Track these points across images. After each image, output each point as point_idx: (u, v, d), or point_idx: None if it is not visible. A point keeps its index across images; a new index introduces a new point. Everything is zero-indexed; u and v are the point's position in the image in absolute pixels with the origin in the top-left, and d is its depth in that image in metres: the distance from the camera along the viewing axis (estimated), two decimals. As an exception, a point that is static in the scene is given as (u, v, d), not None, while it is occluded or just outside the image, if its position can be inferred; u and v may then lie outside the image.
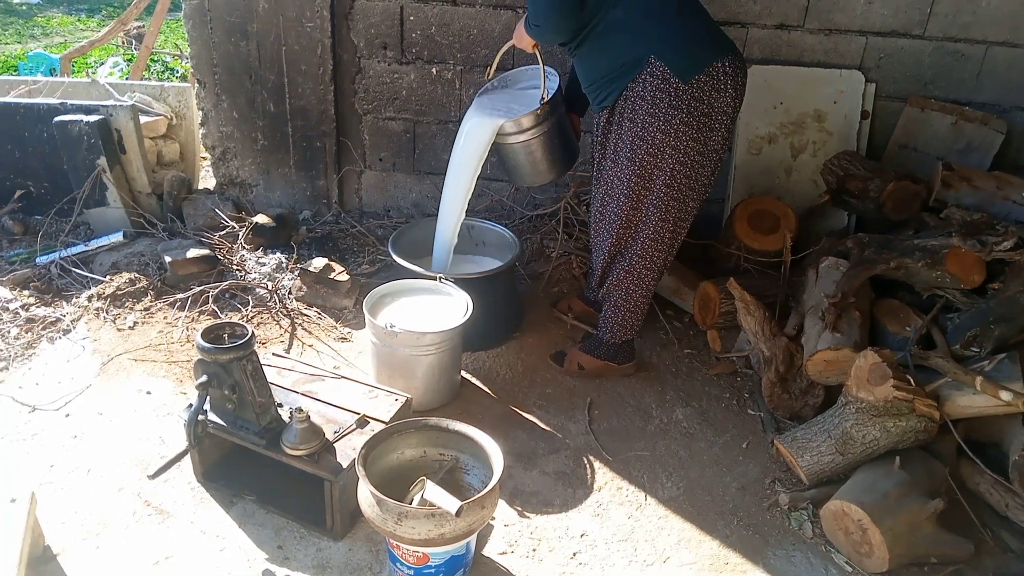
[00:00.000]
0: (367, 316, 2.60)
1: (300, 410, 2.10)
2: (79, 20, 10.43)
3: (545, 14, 2.38)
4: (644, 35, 2.34)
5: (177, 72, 7.59)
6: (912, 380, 2.24)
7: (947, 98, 3.45)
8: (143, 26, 7.48)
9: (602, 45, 2.41)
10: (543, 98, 2.66)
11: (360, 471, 1.91)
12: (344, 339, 3.04)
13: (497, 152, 2.82)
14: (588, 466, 2.47)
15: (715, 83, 2.33)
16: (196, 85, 3.65)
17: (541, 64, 2.67)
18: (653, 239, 2.57)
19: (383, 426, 2.23)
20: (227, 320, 2.17)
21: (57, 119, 3.36)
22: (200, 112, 3.70)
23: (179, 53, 7.99)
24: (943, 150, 3.39)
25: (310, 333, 3.05)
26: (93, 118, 3.35)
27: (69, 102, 3.49)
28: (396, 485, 2.02)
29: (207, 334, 2.09)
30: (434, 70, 3.60)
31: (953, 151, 3.38)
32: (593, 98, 2.56)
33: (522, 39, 2.58)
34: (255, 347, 2.10)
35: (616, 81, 2.42)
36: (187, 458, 2.31)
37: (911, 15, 3.34)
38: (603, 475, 2.44)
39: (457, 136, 2.85)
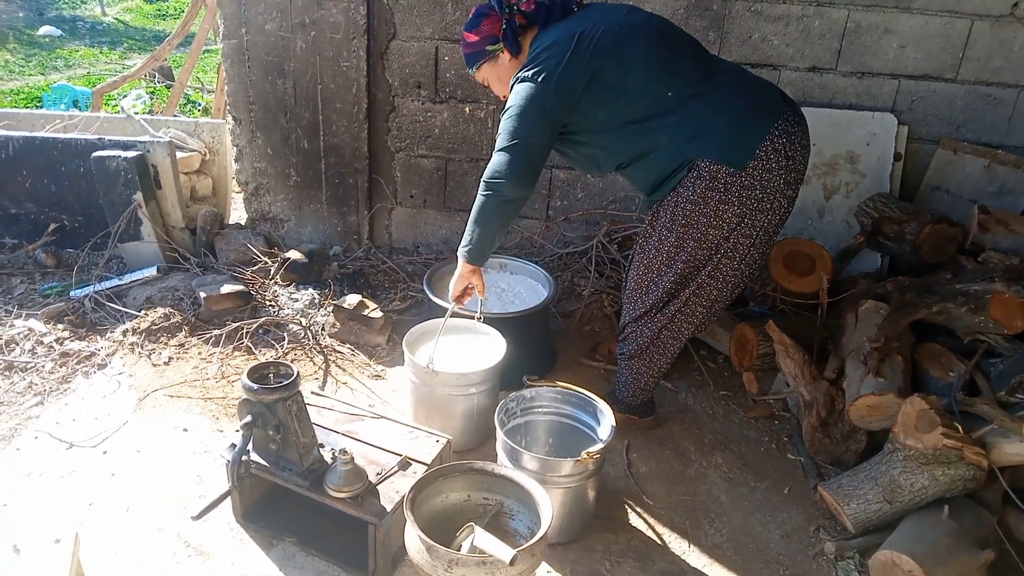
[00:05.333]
0: (407, 355, 2.59)
1: (344, 452, 2.08)
2: (101, 52, 10.62)
3: (514, 185, 2.28)
4: (685, 142, 2.27)
5: (199, 105, 7.70)
6: (960, 427, 2.22)
7: (979, 141, 3.46)
8: (167, 60, 7.60)
9: (646, 163, 2.37)
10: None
11: (408, 515, 1.88)
12: (378, 376, 3.03)
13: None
14: (629, 511, 2.44)
15: (765, 164, 2.25)
16: (231, 122, 3.69)
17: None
18: (686, 315, 2.52)
19: (425, 468, 2.22)
20: (272, 360, 2.16)
21: (95, 154, 3.40)
22: (234, 148, 3.74)
23: (201, 86, 8.11)
24: (976, 193, 3.39)
25: (344, 370, 3.04)
26: (131, 154, 3.39)
27: (107, 138, 3.54)
28: (440, 529, 1.99)
29: (252, 374, 2.08)
30: (467, 109, 3.63)
31: (986, 194, 3.38)
32: (647, 194, 2.49)
33: (464, 275, 2.51)
34: (300, 387, 2.09)
35: (666, 183, 2.36)
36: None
37: (943, 59, 3.37)
38: (644, 521, 2.40)
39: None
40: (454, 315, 2.72)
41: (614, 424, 2.31)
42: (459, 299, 2.60)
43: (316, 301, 3.37)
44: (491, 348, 2.70)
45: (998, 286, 2.56)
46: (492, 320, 2.86)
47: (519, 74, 2.33)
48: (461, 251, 2.47)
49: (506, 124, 2.30)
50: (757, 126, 2.26)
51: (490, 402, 2.66)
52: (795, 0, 3.33)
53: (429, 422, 2.57)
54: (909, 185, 3.54)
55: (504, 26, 2.39)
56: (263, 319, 3.18)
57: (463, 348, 2.71)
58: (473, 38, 2.45)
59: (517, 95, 2.30)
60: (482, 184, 2.33)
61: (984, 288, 2.60)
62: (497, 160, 2.31)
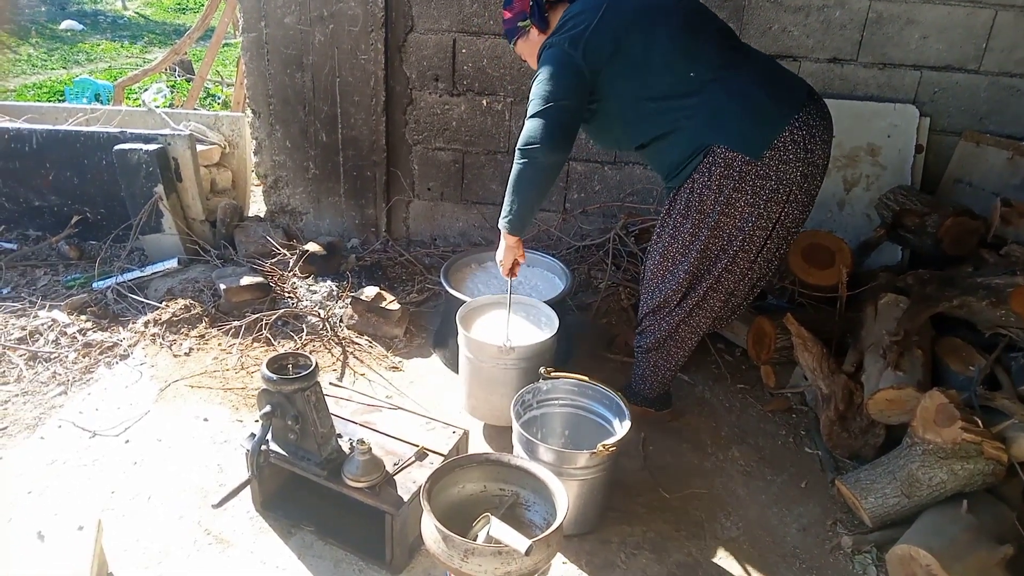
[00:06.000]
0: (464, 334, 2.58)
1: (362, 442, 2.10)
2: (122, 46, 10.70)
3: (549, 149, 2.26)
4: (702, 127, 2.27)
5: (219, 98, 7.74)
6: (979, 422, 2.20)
7: (1003, 133, 3.41)
8: (187, 54, 7.64)
9: (665, 145, 2.37)
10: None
11: (425, 505, 1.90)
12: (395, 368, 3.05)
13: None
14: (646, 504, 2.44)
15: (782, 155, 2.24)
16: (251, 115, 3.72)
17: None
18: (704, 310, 2.52)
19: (441, 459, 2.23)
20: (291, 351, 2.18)
21: (117, 147, 3.44)
22: (254, 141, 3.77)
23: (221, 80, 8.15)
24: (999, 185, 3.35)
25: (361, 362, 3.07)
26: (152, 147, 3.42)
27: (129, 131, 3.57)
28: (457, 519, 2.00)
29: (272, 364, 2.10)
30: (484, 102, 3.64)
31: (1009, 186, 3.34)
32: (666, 179, 2.49)
33: (509, 247, 2.50)
34: (319, 378, 2.11)
35: (684, 169, 2.36)
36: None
37: (966, 50, 3.32)
38: (661, 513, 2.41)
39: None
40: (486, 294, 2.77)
41: (630, 417, 2.31)
42: (512, 271, 2.59)
43: (334, 293, 3.39)
44: (532, 322, 2.71)
45: (1020, 279, 2.54)
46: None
47: (547, 40, 2.36)
48: (502, 223, 2.46)
49: (537, 90, 2.30)
50: (776, 116, 2.25)
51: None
52: (816, -10, 3.31)
53: (488, 400, 2.61)
54: (931, 177, 3.51)
55: (532, 3, 2.42)
56: (282, 311, 3.21)
57: (508, 323, 2.70)
58: (507, 15, 2.50)
59: (546, 61, 2.32)
60: (517, 152, 2.32)
61: (1006, 282, 2.57)
62: (530, 126, 2.29)
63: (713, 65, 2.27)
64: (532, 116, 2.30)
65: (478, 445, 2.64)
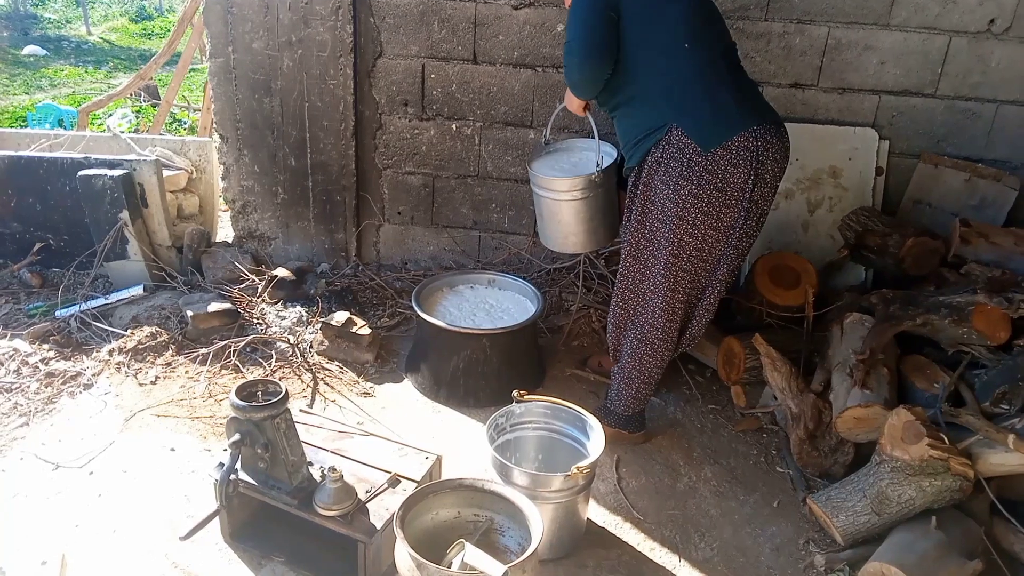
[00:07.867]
0: (538, 176, 2.82)
1: (334, 469, 2.08)
2: (86, 72, 10.60)
3: (578, 63, 2.46)
4: (669, 103, 2.39)
5: (185, 123, 7.69)
6: (945, 438, 2.24)
7: (959, 155, 3.50)
8: (153, 79, 7.59)
9: (633, 110, 2.48)
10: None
11: (399, 533, 1.88)
12: (367, 394, 3.03)
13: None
14: (620, 526, 2.44)
15: (732, 158, 2.33)
16: (218, 140, 3.70)
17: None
18: (664, 309, 2.55)
19: (415, 485, 2.21)
20: (260, 378, 2.16)
21: (81, 173, 3.39)
22: (221, 166, 3.74)
23: (187, 105, 8.10)
24: (957, 206, 3.43)
25: (332, 388, 3.03)
26: (117, 172, 3.38)
27: (93, 156, 3.53)
28: (431, 546, 1.98)
29: (240, 391, 2.07)
30: (454, 126, 3.65)
31: (967, 207, 3.42)
32: (626, 157, 2.61)
33: (571, 101, 2.67)
34: (288, 405, 2.09)
35: (642, 144, 2.47)
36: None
37: (923, 75, 3.42)
38: (635, 535, 2.40)
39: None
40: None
41: (604, 439, 2.31)
42: (585, 110, 2.72)
43: (304, 319, 3.37)
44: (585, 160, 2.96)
45: (980, 298, 2.59)
46: (481, 335, 2.89)
47: None
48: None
49: (569, 18, 2.48)
50: (737, 120, 2.35)
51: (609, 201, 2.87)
52: (776, 18, 3.38)
53: (562, 230, 2.88)
54: (891, 199, 3.58)
55: None
56: (251, 337, 3.17)
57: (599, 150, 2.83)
58: None
59: None
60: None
61: (967, 300, 2.63)
62: (566, 50, 2.48)
63: (705, 51, 2.41)
64: (567, 41, 2.46)
65: (452, 470, 2.62)
